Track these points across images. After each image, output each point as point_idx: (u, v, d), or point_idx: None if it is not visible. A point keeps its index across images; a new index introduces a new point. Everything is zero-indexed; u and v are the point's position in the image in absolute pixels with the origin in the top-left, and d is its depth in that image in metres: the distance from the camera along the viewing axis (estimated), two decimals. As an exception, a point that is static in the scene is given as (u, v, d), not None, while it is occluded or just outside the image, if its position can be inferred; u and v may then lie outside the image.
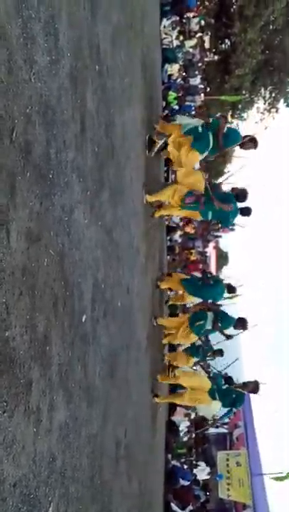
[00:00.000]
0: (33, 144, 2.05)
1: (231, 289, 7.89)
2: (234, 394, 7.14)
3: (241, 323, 7.24)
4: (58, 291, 2.37)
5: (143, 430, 5.86)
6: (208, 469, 11.87)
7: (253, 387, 7.09)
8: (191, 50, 17.73)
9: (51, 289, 2.25)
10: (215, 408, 7.27)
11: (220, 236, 23.33)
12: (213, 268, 31.01)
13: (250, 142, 6.45)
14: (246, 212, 6.83)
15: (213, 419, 9.85)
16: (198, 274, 9.12)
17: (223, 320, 7.09)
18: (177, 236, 16.81)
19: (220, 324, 7.05)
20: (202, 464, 11.86)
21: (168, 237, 15.53)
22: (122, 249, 4.57)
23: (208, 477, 11.92)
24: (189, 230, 16.44)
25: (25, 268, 1.90)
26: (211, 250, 28.10)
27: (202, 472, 11.79)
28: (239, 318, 7.30)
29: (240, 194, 6.66)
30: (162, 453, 9.73)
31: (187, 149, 6.30)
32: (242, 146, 6.42)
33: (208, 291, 7.52)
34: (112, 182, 4.04)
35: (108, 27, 4.11)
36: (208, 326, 7.14)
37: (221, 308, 7.54)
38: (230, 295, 8.05)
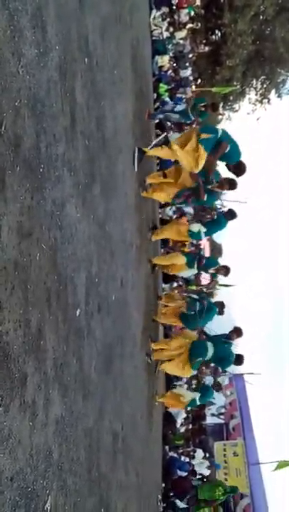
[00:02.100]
0: (23, 137, 2.03)
1: (221, 310, 8.08)
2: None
3: (237, 332, 7.31)
4: (51, 285, 2.37)
5: (140, 423, 5.89)
6: (206, 463, 11.90)
7: (237, 332, 7.25)
8: (181, 41, 17.63)
9: (44, 283, 2.25)
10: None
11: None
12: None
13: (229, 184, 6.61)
14: (231, 215, 7.33)
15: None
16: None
17: (221, 350, 7.07)
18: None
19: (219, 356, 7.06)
20: (199, 452, 11.93)
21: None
22: (116, 242, 4.56)
23: (208, 471, 11.93)
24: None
25: (17, 263, 1.90)
26: (204, 242, 28.07)
27: (202, 466, 11.79)
28: (234, 328, 7.38)
29: (229, 214, 7.29)
30: (160, 445, 9.80)
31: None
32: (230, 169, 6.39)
33: (203, 321, 7.68)
34: (103, 176, 4.02)
35: (97, 19, 4.08)
36: (208, 357, 7.14)
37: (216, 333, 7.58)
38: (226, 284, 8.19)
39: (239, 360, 7.26)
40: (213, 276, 8.70)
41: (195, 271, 8.62)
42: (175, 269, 9.03)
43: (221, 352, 7.03)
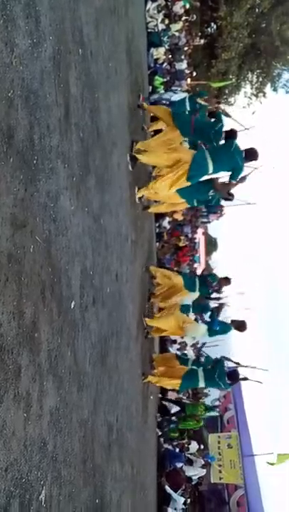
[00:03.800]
0: (16, 128, 2.02)
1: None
2: (220, 324, 7.44)
3: (238, 328, 7.39)
4: (46, 277, 2.37)
5: (135, 415, 5.92)
6: (200, 461, 11.90)
7: (239, 324, 7.31)
8: (176, 33, 17.52)
9: (38, 275, 2.24)
10: (202, 331, 7.51)
11: (208, 222, 23.38)
12: (202, 254, 31.08)
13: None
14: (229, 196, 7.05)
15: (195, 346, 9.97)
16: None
17: (212, 375, 7.11)
18: (166, 222, 16.81)
19: (216, 377, 7.11)
20: (194, 444, 11.99)
21: (156, 224, 15.53)
22: (110, 236, 4.56)
23: (204, 471, 11.95)
24: (178, 216, 16.45)
25: (10, 255, 1.89)
26: (200, 236, 28.13)
27: (197, 465, 11.77)
28: (236, 323, 7.44)
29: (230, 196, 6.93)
30: (154, 437, 9.86)
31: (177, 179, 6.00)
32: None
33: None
34: (98, 168, 4.01)
35: (91, 10, 4.04)
36: (201, 384, 7.27)
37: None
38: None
39: (234, 377, 7.37)
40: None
41: (197, 294, 8.18)
42: (174, 292, 8.44)
43: (213, 383, 7.24)
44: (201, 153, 5.94)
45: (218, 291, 8.35)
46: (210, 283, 8.13)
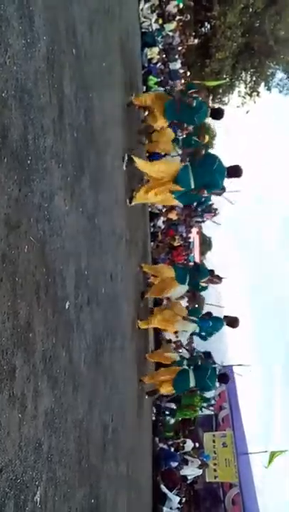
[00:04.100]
0: (10, 129, 2.02)
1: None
2: (211, 320, 7.56)
3: (230, 324, 7.42)
4: (40, 278, 2.36)
5: (129, 415, 5.93)
6: (197, 461, 11.93)
7: (232, 320, 7.38)
8: (170, 33, 17.54)
9: (33, 276, 2.24)
10: (193, 326, 7.63)
11: (203, 221, 23.39)
12: (196, 254, 31.11)
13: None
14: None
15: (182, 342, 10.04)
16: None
17: (203, 375, 7.27)
18: (160, 222, 16.82)
19: (207, 379, 7.25)
20: (189, 442, 12.01)
21: (151, 224, 15.54)
22: (105, 236, 4.56)
23: (200, 471, 11.96)
24: (172, 216, 16.46)
25: (5, 255, 1.89)
26: (194, 236, 28.15)
27: (193, 465, 11.79)
28: (228, 319, 7.46)
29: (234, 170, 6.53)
30: (149, 436, 9.88)
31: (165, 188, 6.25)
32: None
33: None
34: (92, 168, 4.01)
35: (85, 10, 4.04)
36: (192, 383, 7.36)
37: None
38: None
39: (224, 378, 7.50)
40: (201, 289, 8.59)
41: (186, 287, 8.20)
42: (165, 286, 8.39)
43: (202, 382, 7.33)
44: (185, 170, 6.18)
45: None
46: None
